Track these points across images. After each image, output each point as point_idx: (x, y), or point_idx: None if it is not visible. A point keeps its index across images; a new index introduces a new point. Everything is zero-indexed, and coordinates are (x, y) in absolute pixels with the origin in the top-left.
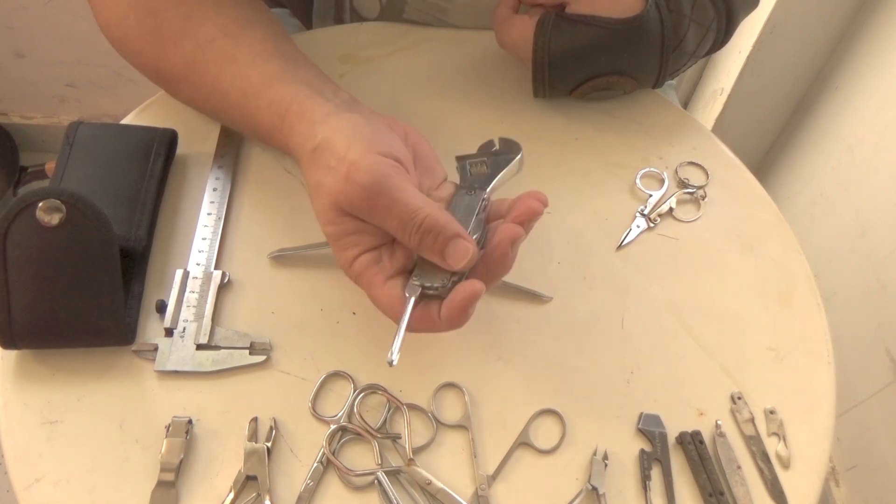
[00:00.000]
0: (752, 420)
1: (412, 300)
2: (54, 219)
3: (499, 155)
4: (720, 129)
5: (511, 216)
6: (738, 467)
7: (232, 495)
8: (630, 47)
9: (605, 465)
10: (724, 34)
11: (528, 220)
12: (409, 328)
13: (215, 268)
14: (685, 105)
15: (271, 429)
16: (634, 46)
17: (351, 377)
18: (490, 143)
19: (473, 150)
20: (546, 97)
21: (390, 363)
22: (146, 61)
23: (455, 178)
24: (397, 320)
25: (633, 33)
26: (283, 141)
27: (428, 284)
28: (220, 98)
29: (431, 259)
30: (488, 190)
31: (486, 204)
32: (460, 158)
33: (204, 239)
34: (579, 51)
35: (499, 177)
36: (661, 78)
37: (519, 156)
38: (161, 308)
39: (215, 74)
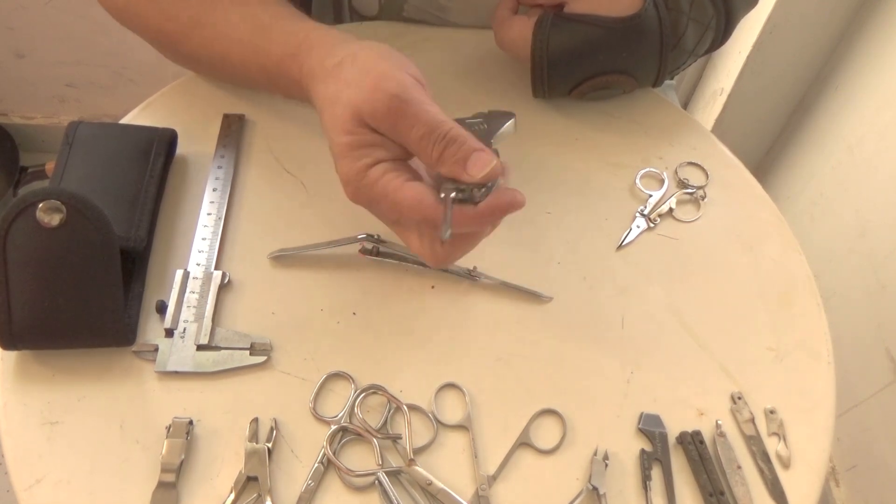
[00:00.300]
0: (753, 420)
1: (452, 194)
2: (54, 219)
3: (494, 118)
4: (720, 129)
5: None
6: (739, 467)
7: (233, 496)
8: (629, 46)
9: (606, 465)
10: (723, 32)
11: (508, 211)
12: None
13: (215, 268)
14: (685, 105)
15: (272, 429)
16: (633, 45)
17: (351, 377)
18: (481, 113)
19: None
20: (546, 97)
21: (443, 238)
22: (149, 25)
23: None
24: (425, 218)
25: (632, 32)
26: (296, 68)
27: (463, 187)
28: (225, 40)
29: (452, 170)
30: (492, 141)
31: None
32: (458, 120)
33: (204, 239)
34: (578, 50)
35: (499, 132)
36: (661, 76)
37: (513, 119)
38: (161, 308)
39: (223, 18)
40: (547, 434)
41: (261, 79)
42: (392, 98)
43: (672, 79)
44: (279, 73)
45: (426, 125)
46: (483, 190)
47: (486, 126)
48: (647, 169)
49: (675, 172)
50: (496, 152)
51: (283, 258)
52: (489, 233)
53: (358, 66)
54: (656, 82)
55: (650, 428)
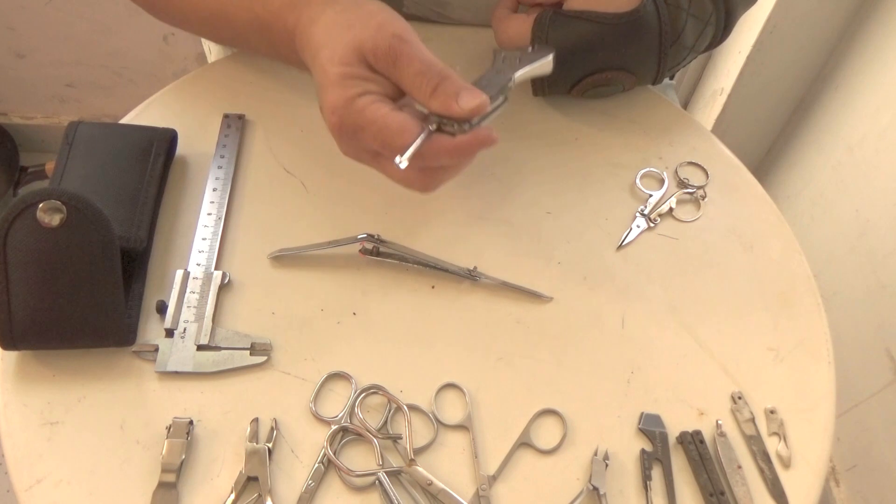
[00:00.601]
0: (753, 420)
1: (431, 126)
2: (55, 220)
3: (531, 55)
4: (720, 129)
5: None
6: (739, 467)
7: (233, 496)
8: (628, 42)
9: (606, 465)
10: (723, 29)
11: (482, 144)
12: (422, 149)
13: (215, 268)
14: (685, 105)
15: (272, 429)
16: (632, 41)
17: (351, 377)
18: (523, 48)
19: None
20: (545, 95)
21: (396, 162)
22: None
23: None
24: (407, 145)
25: (631, 28)
26: (292, 18)
27: (446, 120)
28: None
29: (445, 102)
30: (516, 76)
31: (511, 84)
32: (497, 51)
33: (204, 239)
34: (577, 47)
35: (533, 64)
36: (661, 73)
37: (551, 55)
38: (161, 309)
39: None
40: (547, 434)
41: (251, 32)
42: (394, 37)
43: (672, 77)
44: (272, 25)
45: (423, 63)
46: (466, 126)
47: (520, 60)
48: (647, 169)
49: (675, 172)
50: (509, 90)
51: (283, 258)
52: (466, 166)
53: (362, 11)
54: (656, 79)
55: (650, 428)
